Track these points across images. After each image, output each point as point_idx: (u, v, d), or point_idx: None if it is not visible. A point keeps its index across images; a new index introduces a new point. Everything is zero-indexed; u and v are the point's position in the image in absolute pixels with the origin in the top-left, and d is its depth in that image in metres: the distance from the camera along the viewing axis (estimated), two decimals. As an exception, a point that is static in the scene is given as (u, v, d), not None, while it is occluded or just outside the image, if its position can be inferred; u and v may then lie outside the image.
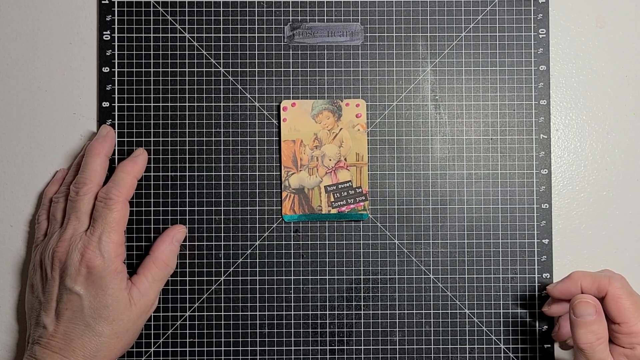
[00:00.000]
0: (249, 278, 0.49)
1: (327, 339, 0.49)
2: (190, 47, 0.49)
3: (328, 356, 0.48)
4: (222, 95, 0.49)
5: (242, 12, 0.49)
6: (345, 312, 0.49)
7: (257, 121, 0.49)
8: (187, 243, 0.49)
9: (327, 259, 0.49)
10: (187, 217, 0.49)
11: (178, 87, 0.49)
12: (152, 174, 0.49)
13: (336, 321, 0.49)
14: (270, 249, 0.49)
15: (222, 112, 0.49)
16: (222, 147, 0.49)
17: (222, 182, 0.49)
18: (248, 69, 0.49)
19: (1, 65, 0.50)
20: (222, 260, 0.49)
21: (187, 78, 0.49)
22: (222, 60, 0.49)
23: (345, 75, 0.49)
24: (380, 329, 0.49)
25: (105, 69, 0.49)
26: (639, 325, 0.41)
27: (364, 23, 0.49)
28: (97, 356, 0.42)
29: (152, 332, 0.48)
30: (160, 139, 0.49)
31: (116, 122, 0.49)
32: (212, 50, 0.49)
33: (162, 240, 0.47)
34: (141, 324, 0.46)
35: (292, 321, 0.49)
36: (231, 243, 0.49)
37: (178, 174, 0.49)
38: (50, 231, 0.46)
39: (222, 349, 0.48)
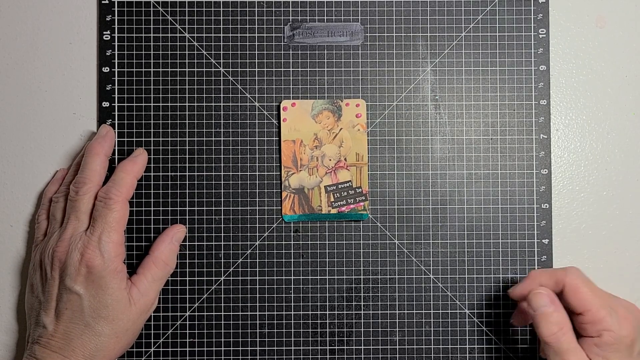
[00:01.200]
0: (249, 278, 0.49)
1: (327, 339, 0.49)
2: (190, 47, 0.49)
3: (328, 356, 0.48)
4: (222, 95, 0.49)
5: (242, 12, 0.49)
6: (345, 312, 0.49)
7: (257, 121, 0.49)
8: (187, 243, 0.49)
9: (327, 259, 0.49)
10: (187, 217, 0.49)
11: (178, 87, 0.49)
12: (152, 174, 0.49)
13: (336, 321, 0.49)
14: (270, 249, 0.49)
15: (222, 112, 0.49)
16: (222, 147, 0.49)
17: (222, 182, 0.49)
18: (248, 69, 0.49)
19: (1, 65, 0.50)
20: (222, 260, 0.49)
21: (187, 78, 0.49)
22: (222, 60, 0.49)
23: (345, 75, 0.49)
24: (380, 329, 0.49)
25: (105, 69, 0.49)
26: (601, 312, 0.41)
27: (364, 23, 0.49)
28: (97, 356, 0.42)
29: (152, 332, 0.48)
30: (160, 139, 0.49)
31: (116, 122, 0.49)
32: (212, 50, 0.49)
33: (161, 239, 0.47)
34: (141, 324, 0.45)
35: (292, 321, 0.49)
36: (231, 243, 0.49)
37: (178, 174, 0.49)
38: (50, 231, 0.46)
39: (222, 349, 0.48)
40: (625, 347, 0.40)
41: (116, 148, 0.49)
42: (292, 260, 0.49)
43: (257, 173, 0.49)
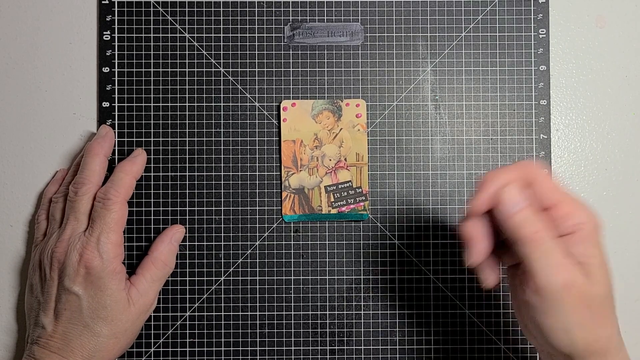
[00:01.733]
0: (249, 278, 0.49)
1: (327, 339, 0.49)
2: (190, 47, 0.49)
3: (328, 356, 0.48)
4: (222, 96, 0.49)
5: (242, 12, 0.49)
6: (345, 312, 0.49)
7: (257, 121, 0.49)
8: (187, 243, 0.49)
9: (327, 259, 0.49)
10: (187, 217, 0.49)
11: (178, 87, 0.49)
12: (152, 174, 0.49)
13: (336, 321, 0.49)
14: (270, 249, 0.49)
15: (222, 112, 0.49)
16: (222, 147, 0.49)
17: (222, 182, 0.49)
18: (248, 69, 0.49)
19: (1, 65, 0.50)
20: (222, 260, 0.49)
21: (187, 78, 0.49)
22: (222, 61, 0.49)
23: (345, 75, 0.49)
24: (380, 329, 0.49)
25: (105, 69, 0.49)
26: (573, 203, 0.35)
27: (364, 23, 0.49)
28: (96, 356, 0.42)
29: (152, 332, 0.48)
30: (161, 139, 0.49)
31: (116, 122, 0.49)
32: (212, 51, 0.49)
33: (160, 240, 0.47)
34: (140, 325, 0.45)
35: (292, 321, 0.49)
36: (231, 243, 0.49)
37: (178, 174, 0.49)
38: (49, 231, 0.46)
39: (222, 349, 0.48)
40: (601, 239, 0.36)
41: (116, 148, 0.49)
42: (292, 260, 0.49)
43: (257, 173, 0.49)
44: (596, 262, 0.35)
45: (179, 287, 0.48)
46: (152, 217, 0.49)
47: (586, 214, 0.36)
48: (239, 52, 0.49)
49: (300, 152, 0.49)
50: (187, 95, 0.49)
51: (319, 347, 0.48)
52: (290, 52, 0.49)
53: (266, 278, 0.49)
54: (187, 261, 0.49)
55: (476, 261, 0.38)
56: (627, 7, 0.50)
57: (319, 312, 0.49)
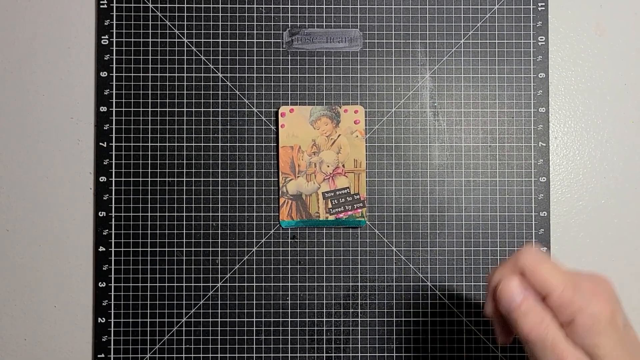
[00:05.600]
0: (245, 284, 0.48)
1: (324, 346, 0.48)
2: (189, 52, 0.49)
3: (325, 363, 0.48)
4: (220, 101, 0.49)
5: (240, 18, 0.49)
6: (342, 318, 0.49)
7: (255, 127, 0.49)
8: (184, 249, 0.48)
9: (324, 266, 0.49)
10: (184, 222, 0.48)
11: (176, 92, 0.49)
12: (149, 179, 0.49)
13: (333, 328, 0.49)
14: (267, 255, 0.49)
15: (220, 118, 0.49)
16: (220, 153, 0.49)
17: (219, 187, 0.49)
18: (246, 75, 0.49)
19: (-1, 69, 0.49)
20: (219, 266, 0.48)
21: (185, 83, 0.49)
22: (220, 66, 0.49)
23: (344, 81, 0.49)
24: (377, 336, 0.48)
25: (103, 74, 0.49)
26: (567, 292, 0.33)
27: (363, 29, 0.49)
28: None
29: (148, 338, 0.48)
30: (158, 144, 0.49)
31: (114, 126, 0.49)
32: (210, 56, 0.49)
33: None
34: None
35: (289, 327, 0.48)
36: (228, 249, 0.48)
37: (175, 179, 0.49)
38: None
39: (218, 355, 0.48)
40: (605, 324, 0.33)
41: (113, 153, 0.49)
42: (289, 266, 0.49)
43: (254, 179, 0.49)
44: (603, 352, 0.33)
45: (175, 293, 0.48)
46: (148, 223, 0.48)
47: (582, 301, 0.33)
48: (237, 57, 0.49)
49: (298, 158, 0.49)
50: (185, 100, 0.49)
51: (316, 354, 0.48)
52: (289, 57, 0.49)
53: (263, 284, 0.48)
54: (184, 267, 0.48)
55: (504, 342, 0.38)
56: (626, 14, 0.50)
57: (315, 319, 0.48)
